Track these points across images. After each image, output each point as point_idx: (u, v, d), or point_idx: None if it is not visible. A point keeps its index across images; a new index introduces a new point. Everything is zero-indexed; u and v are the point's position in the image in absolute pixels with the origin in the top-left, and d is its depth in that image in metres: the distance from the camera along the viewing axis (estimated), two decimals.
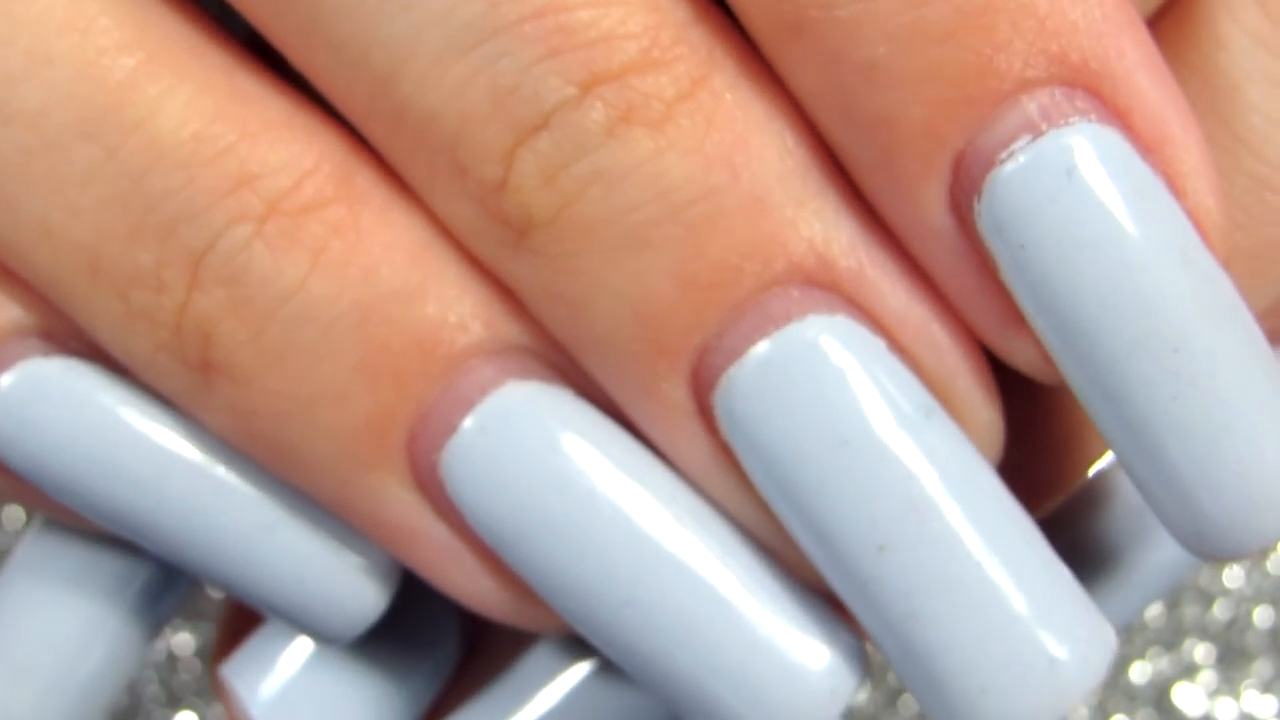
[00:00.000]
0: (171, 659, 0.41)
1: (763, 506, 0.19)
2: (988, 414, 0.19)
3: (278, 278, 0.18)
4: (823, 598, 0.19)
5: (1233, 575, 0.41)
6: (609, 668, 0.22)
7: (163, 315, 0.18)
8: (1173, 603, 0.41)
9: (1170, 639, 0.41)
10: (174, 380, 0.19)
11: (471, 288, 0.19)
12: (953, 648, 0.18)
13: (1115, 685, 0.41)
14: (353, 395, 0.18)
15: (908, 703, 0.41)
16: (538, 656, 0.22)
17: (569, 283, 0.18)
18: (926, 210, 0.18)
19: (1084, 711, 0.41)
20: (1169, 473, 0.18)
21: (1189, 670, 0.41)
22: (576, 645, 0.22)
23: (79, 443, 0.19)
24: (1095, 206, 0.17)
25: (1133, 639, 0.41)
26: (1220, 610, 0.41)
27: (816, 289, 0.18)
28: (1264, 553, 0.41)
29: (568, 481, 0.18)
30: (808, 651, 0.19)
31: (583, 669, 0.22)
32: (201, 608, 0.41)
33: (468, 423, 0.18)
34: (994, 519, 0.18)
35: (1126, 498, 0.23)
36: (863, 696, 0.41)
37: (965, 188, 0.18)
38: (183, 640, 0.41)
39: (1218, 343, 0.17)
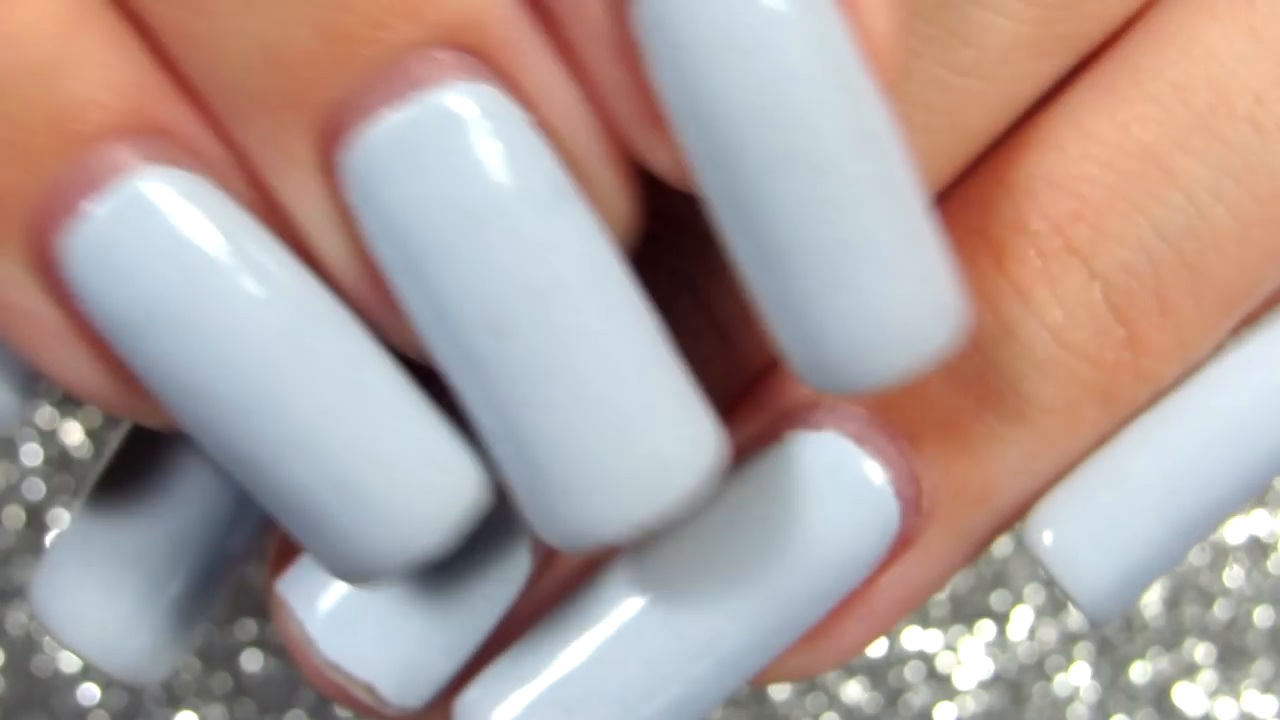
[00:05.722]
0: None
1: (376, 279, 0.18)
2: (623, 203, 0.19)
3: None
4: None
5: (1233, 575, 0.41)
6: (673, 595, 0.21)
7: None
8: (1173, 603, 0.41)
9: (1170, 639, 0.41)
10: None
11: (125, 63, 0.18)
12: (561, 441, 0.18)
13: (1115, 685, 0.41)
14: None
15: (908, 703, 0.41)
16: (608, 578, 0.21)
17: (205, 23, 0.17)
18: None
19: (1083, 711, 0.41)
20: (797, 295, 0.18)
21: (1189, 670, 0.41)
22: (647, 567, 0.21)
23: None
24: (754, 11, 0.17)
25: (1133, 639, 0.41)
26: (1220, 610, 0.41)
27: (464, 53, 0.18)
28: (1264, 552, 0.41)
29: (195, 276, 0.17)
30: (426, 479, 0.18)
31: (648, 595, 0.21)
32: None
33: (92, 205, 0.17)
34: (618, 314, 0.18)
35: None
36: (863, 696, 0.41)
37: None
38: None
39: (863, 172, 0.17)
